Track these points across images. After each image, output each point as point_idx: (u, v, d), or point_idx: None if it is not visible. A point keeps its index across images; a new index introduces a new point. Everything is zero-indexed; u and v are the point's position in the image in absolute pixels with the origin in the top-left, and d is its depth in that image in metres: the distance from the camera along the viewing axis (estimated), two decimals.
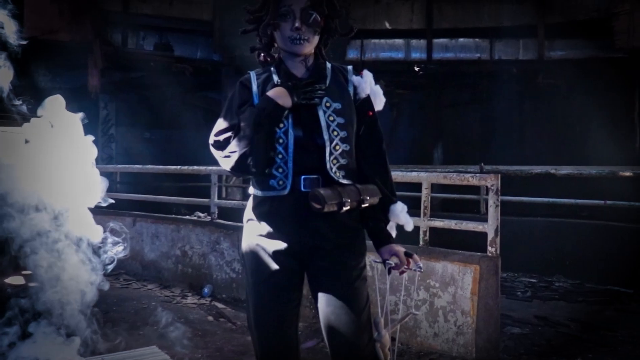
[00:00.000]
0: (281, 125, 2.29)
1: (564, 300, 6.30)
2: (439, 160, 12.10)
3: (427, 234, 4.78)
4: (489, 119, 11.16)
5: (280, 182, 2.29)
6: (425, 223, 4.77)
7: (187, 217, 7.13)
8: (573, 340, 4.95)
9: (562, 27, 10.27)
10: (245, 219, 2.50)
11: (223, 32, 10.03)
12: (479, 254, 4.49)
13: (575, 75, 10.63)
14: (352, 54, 10.95)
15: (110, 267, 3.02)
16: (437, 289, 4.61)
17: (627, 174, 6.65)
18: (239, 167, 2.28)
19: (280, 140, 2.29)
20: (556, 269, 7.39)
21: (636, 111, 11.89)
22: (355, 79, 2.42)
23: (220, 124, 2.38)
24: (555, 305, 6.16)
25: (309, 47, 2.35)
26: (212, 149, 2.37)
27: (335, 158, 2.30)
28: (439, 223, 4.76)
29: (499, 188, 4.43)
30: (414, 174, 4.98)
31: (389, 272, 2.36)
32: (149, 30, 9.77)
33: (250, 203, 2.49)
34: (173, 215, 6.93)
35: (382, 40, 10.95)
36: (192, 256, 6.56)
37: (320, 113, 2.31)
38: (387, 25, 10.86)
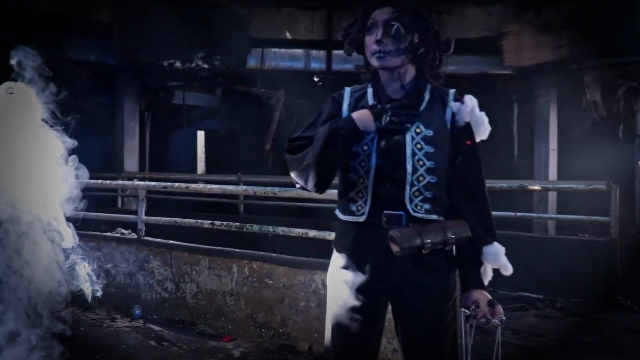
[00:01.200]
0: (365, 147, 2.22)
1: None
2: None
3: None
4: None
5: (359, 208, 2.22)
6: None
7: (109, 234, 6.72)
8: (511, 347, 5.23)
9: (456, 44, 10.78)
10: (333, 244, 2.42)
11: (123, 36, 9.56)
12: None
13: (466, 89, 11.24)
14: (252, 62, 10.84)
15: None
16: None
17: (536, 187, 7.16)
18: (297, 177, 2.25)
19: (363, 164, 2.22)
20: None
21: (514, 124, 12.81)
22: (454, 104, 2.28)
23: (301, 131, 2.34)
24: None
25: (393, 62, 2.22)
26: (285, 153, 2.33)
27: (419, 190, 2.19)
28: None
29: None
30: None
31: (466, 321, 2.18)
32: (41, 29, 9.10)
33: (336, 225, 2.41)
34: (91, 232, 6.50)
35: (283, 50, 10.95)
36: (116, 275, 6.20)
37: (408, 139, 2.21)
38: (288, 35, 10.89)
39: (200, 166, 15.06)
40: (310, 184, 2.21)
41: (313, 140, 2.21)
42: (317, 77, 11.16)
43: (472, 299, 2.19)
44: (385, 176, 2.20)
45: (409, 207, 2.18)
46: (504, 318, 2.16)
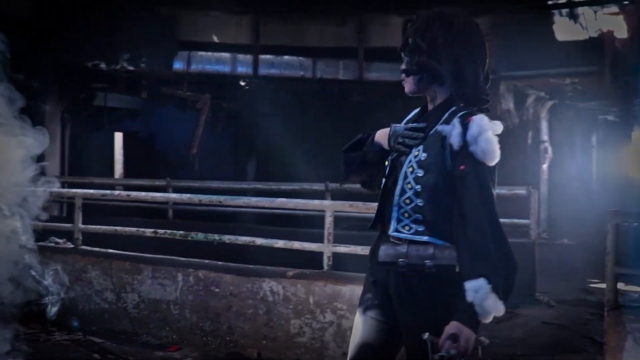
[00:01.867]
0: (386, 163, 2.35)
1: None
2: (251, 175, 12.29)
3: (331, 260, 4.98)
4: (317, 136, 11.59)
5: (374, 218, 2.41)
6: (330, 249, 4.98)
7: (42, 243, 6.49)
8: None
9: (379, 51, 11.11)
10: None
11: (44, 35, 9.23)
12: None
13: (388, 95, 11.59)
14: (177, 65, 10.72)
15: None
16: (344, 311, 4.84)
17: None
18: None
19: (380, 179, 2.38)
20: None
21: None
22: (443, 127, 2.18)
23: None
24: None
25: (409, 87, 2.30)
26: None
27: (407, 212, 2.20)
28: (343, 249, 5.00)
29: None
30: (317, 202, 5.16)
31: (434, 350, 1.97)
32: None
33: None
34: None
35: (209, 53, 10.88)
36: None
37: (405, 162, 2.24)
38: (215, 38, 10.84)
39: (118, 169, 14.70)
40: (341, 181, 2.56)
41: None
42: (243, 82, 11.16)
43: (449, 330, 1.99)
44: (387, 194, 2.30)
45: (394, 226, 2.23)
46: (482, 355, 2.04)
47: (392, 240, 2.25)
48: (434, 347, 1.97)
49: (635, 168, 13.49)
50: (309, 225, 8.42)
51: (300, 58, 11.23)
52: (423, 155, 2.20)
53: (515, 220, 7.64)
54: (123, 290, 5.67)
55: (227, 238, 5.40)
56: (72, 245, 6.05)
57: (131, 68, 9.95)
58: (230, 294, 5.23)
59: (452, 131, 2.15)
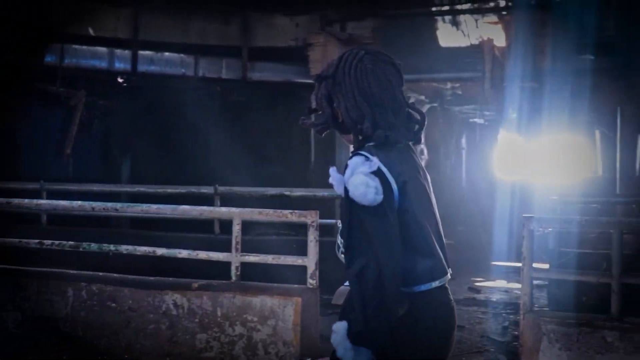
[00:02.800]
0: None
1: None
2: (126, 177, 11.69)
3: (239, 270, 4.78)
4: (198, 136, 11.18)
5: None
6: (238, 259, 4.78)
7: None
8: None
9: (264, 51, 10.96)
10: None
11: None
12: (299, 286, 4.70)
13: (271, 96, 11.49)
14: (49, 59, 9.95)
15: None
16: (255, 323, 4.68)
17: None
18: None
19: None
20: None
21: (312, 134, 13.27)
22: (330, 171, 2.12)
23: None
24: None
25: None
26: None
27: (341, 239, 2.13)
28: (253, 258, 4.83)
29: (319, 224, 4.70)
30: (224, 209, 4.94)
31: None
32: None
33: None
34: None
35: (85, 47, 10.20)
36: None
37: None
38: (91, 31, 10.17)
39: None
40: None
41: None
42: (121, 78, 10.58)
43: None
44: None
45: (338, 253, 2.18)
46: None
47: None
48: None
49: (501, 170, 14.35)
50: (194, 230, 8.16)
51: (182, 55, 10.84)
52: None
53: None
54: (2, 308, 5.13)
55: (124, 248, 5.03)
56: None
57: None
58: (129, 308, 4.89)
59: (333, 181, 2.09)
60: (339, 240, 2.13)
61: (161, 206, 4.99)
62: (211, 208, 5.00)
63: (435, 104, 11.45)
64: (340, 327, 1.94)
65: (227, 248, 5.27)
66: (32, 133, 10.67)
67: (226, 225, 7.86)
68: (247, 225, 5.03)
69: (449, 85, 10.46)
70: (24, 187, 8.80)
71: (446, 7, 10.16)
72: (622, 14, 9.02)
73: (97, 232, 7.81)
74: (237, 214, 4.80)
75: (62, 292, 5.02)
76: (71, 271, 5.12)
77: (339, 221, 2.11)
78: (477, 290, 8.25)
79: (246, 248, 4.87)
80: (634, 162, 9.62)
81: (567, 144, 12.86)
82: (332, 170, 2.07)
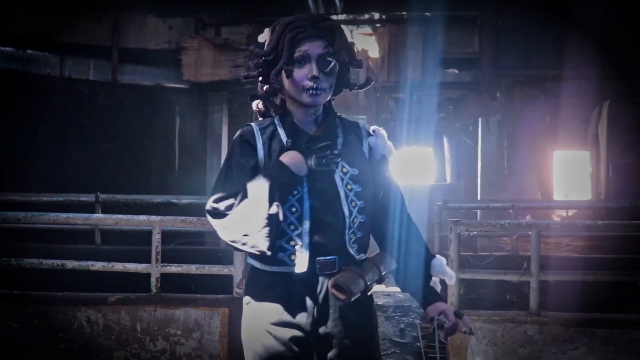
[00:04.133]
0: (295, 192, 2.07)
1: None
2: None
3: (159, 281, 4.59)
4: (57, 141, 10.44)
5: (292, 257, 2.09)
6: (158, 269, 4.59)
7: None
8: None
9: (135, 53, 10.54)
10: (245, 298, 2.24)
11: None
12: (226, 296, 4.60)
13: (139, 99, 11.05)
14: None
15: None
16: (179, 337, 4.53)
17: None
18: (242, 243, 2.00)
19: (294, 209, 2.07)
20: None
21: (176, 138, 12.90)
22: (371, 139, 2.25)
23: (220, 187, 2.05)
24: None
25: (325, 99, 2.14)
26: (209, 217, 2.05)
27: (353, 232, 2.14)
28: (175, 269, 4.65)
29: None
30: (143, 217, 4.71)
31: (440, 328, 2.15)
32: None
33: (251, 277, 2.24)
34: None
35: None
36: None
37: (338, 180, 2.12)
38: None
39: None
40: (264, 247, 1.99)
41: (241, 196, 1.98)
42: None
43: (439, 309, 2.16)
44: (320, 221, 2.09)
45: (350, 251, 2.14)
46: (472, 328, 2.21)
47: (341, 267, 2.12)
48: (440, 327, 2.15)
49: None
50: (72, 241, 7.66)
51: (46, 54, 10.13)
52: (354, 171, 2.16)
53: None
54: None
55: (27, 262, 4.63)
56: None
57: None
58: (35, 327, 4.52)
59: (377, 142, 2.26)
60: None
61: (72, 215, 4.65)
62: (128, 216, 4.72)
63: None
64: (441, 258, 2.25)
65: (109, 258, 5.02)
66: None
67: (108, 234, 7.55)
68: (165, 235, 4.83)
69: None
70: None
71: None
72: (487, 32, 9.78)
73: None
74: (157, 222, 4.60)
75: None
76: None
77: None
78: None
79: (166, 258, 4.70)
80: (493, 170, 10.44)
81: (417, 153, 13.76)
82: (372, 131, 2.32)
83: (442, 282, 2.29)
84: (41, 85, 10.05)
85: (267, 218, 1.96)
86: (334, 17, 10.43)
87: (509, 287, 5.14)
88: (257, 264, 2.18)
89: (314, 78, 2.08)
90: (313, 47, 2.08)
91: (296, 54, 2.09)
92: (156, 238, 4.58)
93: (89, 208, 7.75)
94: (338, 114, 2.28)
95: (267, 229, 1.96)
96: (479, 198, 10.42)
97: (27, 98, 9.93)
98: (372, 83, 2.33)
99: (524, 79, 9.89)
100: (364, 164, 2.20)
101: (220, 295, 4.62)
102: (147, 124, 11.78)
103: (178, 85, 11.04)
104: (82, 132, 10.45)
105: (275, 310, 2.12)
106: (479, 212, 9.39)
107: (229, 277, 4.59)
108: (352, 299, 2.06)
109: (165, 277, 4.61)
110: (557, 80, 10.01)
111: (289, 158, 2.05)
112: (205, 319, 4.52)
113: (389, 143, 2.29)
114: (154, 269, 4.57)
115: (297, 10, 10.61)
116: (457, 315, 2.18)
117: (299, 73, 2.10)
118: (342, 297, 2.06)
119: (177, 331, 4.52)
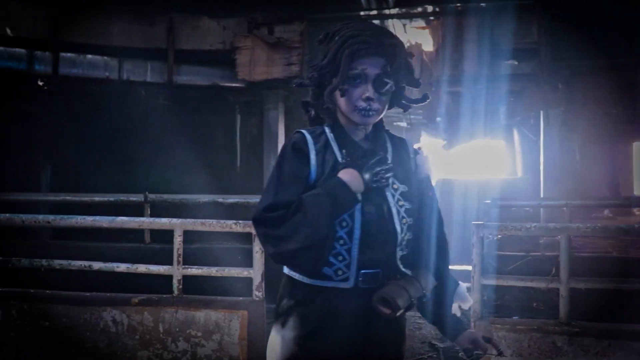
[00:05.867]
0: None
1: None
2: (46, 185, 11.12)
3: (181, 283, 4.62)
4: (118, 143, 10.77)
5: (340, 272, 2.00)
6: (180, 272, 4.61)
7: None
8: None
9: (190, 54, 10.71)
10: (283, 310, 2.11)
11: None
12: (245, 298, 4.57)
13: (196, 99, 11.22)
14: None
15: None
16: (199, 338, 4.53)
17: None
18: (294, 259, 1.95)
19: (344, 224, 1.99)
20: None
21: (237, 137, 13.06)
22: (419, 158, 2.18)
23: (272, 196, 1.97)
24: None
25: (376, 119, 2.06)
26: (256, 225, 1.97)
27: (402, 249, 2.08)
28: (195, 271, 4.66)
29: None
30: (165, 220, 4.74)
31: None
32: None
33: (287, 288, 2.12)
34: None
35: (2, 48, 9.66)
36: None
37: (389, 196, 2.05)
38: (9, 31, 9.64)
39: None
40: (317, 267, 1.96)
41: (295, 208, 1.92)
42: (42, 81, 10.07)
43: (469, 339, 2.14)
44: (371, 237, 2.02)
45: (400, 267, 2.07)
46: (502, 349, 2.17)
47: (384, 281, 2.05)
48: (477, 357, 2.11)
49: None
50: (123, 239, 7.85)
51: (105, 58, 10.44)
52: (404, 187, 2.10)
53: None
54: None
55: (57, 263, 4.76)
56: None
57: None
58: (64, 326, 4.63)
59: (424, 160, 2.20)
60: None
61: (97, 218, 4.73)
62: (151, 219, 4.80)
63: None
64: (463, 285, 2.21)
65: (159, 257, 5.09)
66: None
67: (157, 233, 7.68)
68: (189, 235, 4.85)
69: None
70: None
71: (374, 12, 10.21)
72: (545, 22, 9.34)
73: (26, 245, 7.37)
74: (178, 225, 4.63)
75: None
76: None
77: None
78: None
79: (189, 258, 4.71)
80: (556, 165, 9.98)
81: (488, 146, 13.29)
82: (416, 149, 2.23)
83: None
84: (100, 88, 10.37)
85: (324, 238, 1.92)
86: (386, 11, 10.28)
87: (536, 293, 4.86)
88: (297, 276, 2.08)
89: (368, 99, 2.01)
90: (372, 67, 2.00)
91: (353, 71, 2.00)
92: (178, 240, 4.61)
93: (138, 208, 7.95)
94: (386, 128, 2.21)
95: (323, 250, 1.94)
96: (541, 195, 9.98)
97: (88, 102, 10.27)
98: (428, 100, 2.22)
99: (587, 69, 9.39)
100: (413, 181, 2.14)
101: (240, 298, 4.59)
102: (208, 123, 11.98)
103: (235, 85, 11.12)
104: (142, 133, 10.71)
105: (312, 324, 2.04)
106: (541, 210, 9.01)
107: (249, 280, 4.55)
108: (398, 314, 1.98)
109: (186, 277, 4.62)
110: (626, 68, 9.48)
111: (349, 176, 1.98)
112: (225, 321, 4.51)
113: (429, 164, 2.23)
114: (176, 271, 4.60)
115: (349, 7, 10.58)
116: (486, 340, 2.15)
117: (353, 92, 2.02)
118: (387, 311, 1.98)
119: (197, 332, 4.53)
